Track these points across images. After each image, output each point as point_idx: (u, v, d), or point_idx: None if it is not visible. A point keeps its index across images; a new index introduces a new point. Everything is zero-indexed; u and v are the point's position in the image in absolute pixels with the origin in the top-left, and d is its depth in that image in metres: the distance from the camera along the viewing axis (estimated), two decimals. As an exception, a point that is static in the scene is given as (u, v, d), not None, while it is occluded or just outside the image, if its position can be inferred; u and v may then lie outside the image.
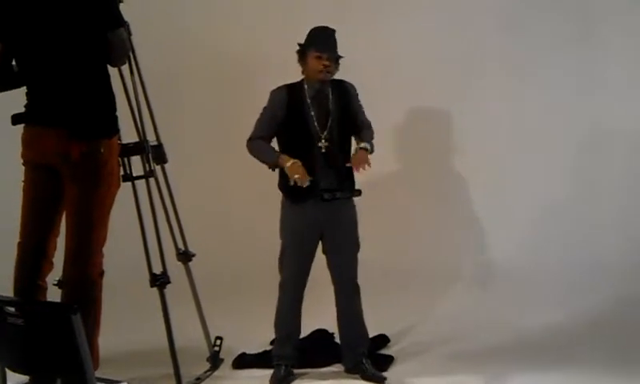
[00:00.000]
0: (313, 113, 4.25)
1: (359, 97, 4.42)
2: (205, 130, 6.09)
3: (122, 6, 3.77)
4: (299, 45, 4.32)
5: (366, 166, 4.21)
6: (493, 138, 5.86)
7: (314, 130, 4.25)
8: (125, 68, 3.99)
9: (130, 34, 3.91)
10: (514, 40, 5.86)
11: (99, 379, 3.51)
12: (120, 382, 3.92)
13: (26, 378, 3.52)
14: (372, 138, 4.39)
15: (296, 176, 4.12)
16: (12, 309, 2.99)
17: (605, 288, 5.41)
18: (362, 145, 4.30)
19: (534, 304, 5.33)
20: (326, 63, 4.24)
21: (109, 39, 3.67)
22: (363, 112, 4.44)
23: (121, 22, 3.74)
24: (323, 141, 4.24)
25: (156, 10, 5.74)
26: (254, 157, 4.32)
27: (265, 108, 4.33)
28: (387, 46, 5.85)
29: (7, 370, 3.15)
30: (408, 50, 5.86)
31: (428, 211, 5.90)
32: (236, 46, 5.95)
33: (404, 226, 5.90)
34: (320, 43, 4.26)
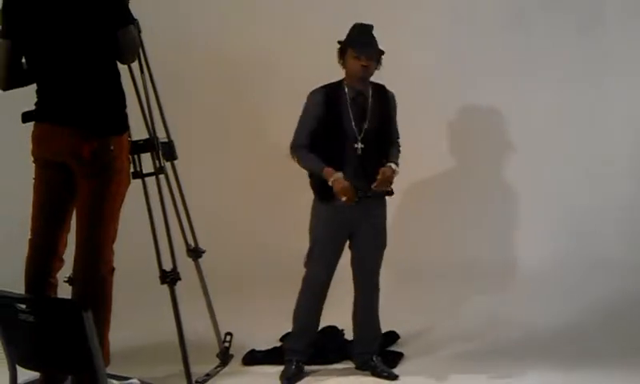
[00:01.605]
0: (351, 114, 4.21)
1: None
2: (215, 126, 6.08)
3: (131, 4, 3.77)
4: (339, 42, 4.23)
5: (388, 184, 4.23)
6: (497, 135, 5.84)
7: (351, 132, 4.20)
8: (135, 65, 3.98)
9: (139, 31, 3.91)
10: (522, 36, 5.84)
11: (110, 375, 3.53)
12: (130, 378, 3.94)
13: (36, 374, 3.55)
14: (398, 158, 4.36)
15: (344, 198, 4.13)
16: (23, 305, 3.00)
17: (612, 285, 5.39)
18: (390, 164, 4.25)
19: (544, 302, 5.31)
20: (365, 64, 4.17)
21: (118, 37, 3.67)
22: (397, 126, 4.40)
23: (130, 20, 3.73)
24: (360, 143, 4.21)
25: (166, 8, 5.74)
26: (298, 163, 4.26)
27: (304, 110, 4.26)
28: (392, 44, 5.82)
29: (18, 366, 3.16)
30: (413, 48, 5.84)
31: (442, 210, 5.87)
32: (247, 44, 5.94)
33: (417, 224, 5.88)
34: (358, 43, 4.17)
